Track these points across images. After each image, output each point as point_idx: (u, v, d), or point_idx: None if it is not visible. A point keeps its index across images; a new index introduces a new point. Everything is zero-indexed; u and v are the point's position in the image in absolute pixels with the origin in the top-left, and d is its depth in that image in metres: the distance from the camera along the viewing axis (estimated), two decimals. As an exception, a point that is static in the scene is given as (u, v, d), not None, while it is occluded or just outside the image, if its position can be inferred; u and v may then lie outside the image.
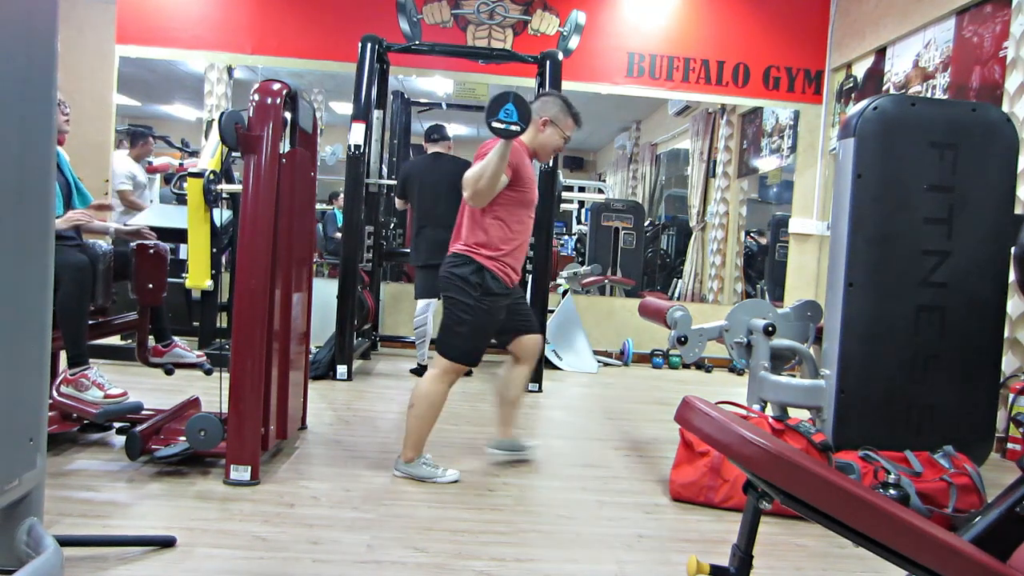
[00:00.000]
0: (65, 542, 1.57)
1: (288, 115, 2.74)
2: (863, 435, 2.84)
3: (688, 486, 2.66)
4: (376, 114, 4.99)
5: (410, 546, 2.16)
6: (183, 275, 4.02)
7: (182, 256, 4.46)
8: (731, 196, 7.14)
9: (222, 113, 2.55)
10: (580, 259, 8.05)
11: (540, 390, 4.54)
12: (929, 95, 4.68)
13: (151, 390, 3.39)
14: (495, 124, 2.36)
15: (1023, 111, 3.72)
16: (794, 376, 3.21)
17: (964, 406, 2.96)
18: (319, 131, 3.40)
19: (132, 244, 3.09)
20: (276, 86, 2.61)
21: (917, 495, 2.49)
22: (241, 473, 2.53)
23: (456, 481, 2.74)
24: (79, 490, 2.44)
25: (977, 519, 1.59)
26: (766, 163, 6.79)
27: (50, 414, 2.72)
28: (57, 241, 1.69)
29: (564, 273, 7.20)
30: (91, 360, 2.81)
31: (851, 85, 5.73)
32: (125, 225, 3.46)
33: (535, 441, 3.18)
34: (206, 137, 5.34)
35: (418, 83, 6.76)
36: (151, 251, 3.07)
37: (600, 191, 8.95)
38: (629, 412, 4.22)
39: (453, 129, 5.82)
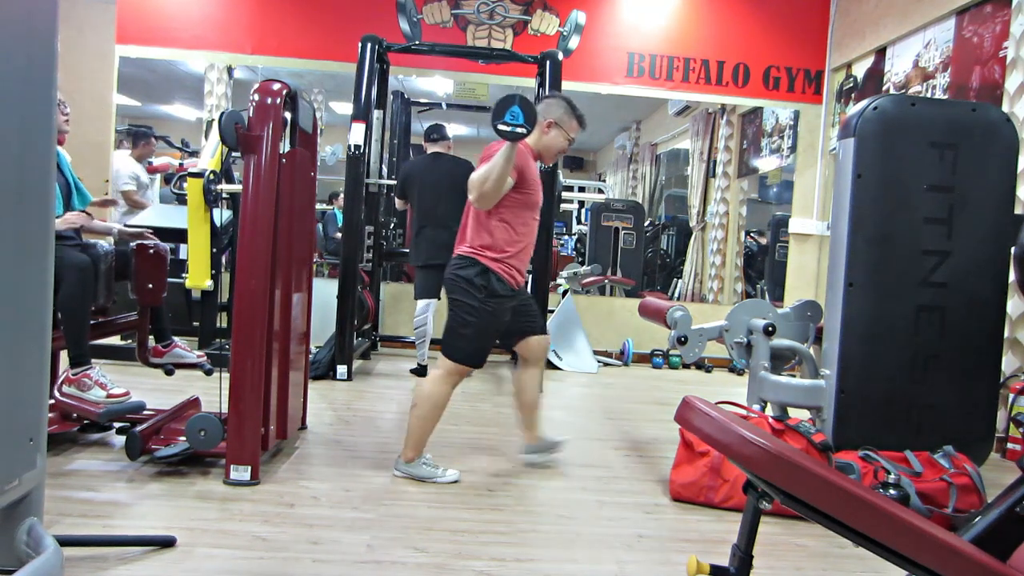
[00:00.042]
0: (65, 542, 1.57)
1: (288, 115, 2.75)
2: (863, 435, 2.84)
3: (688, 486, 2.66)
4: (376, 114, 4.99)
5: (410, 546, 2.16)
6: (183, 275, 4.02)
7: (182, 256, 4.46)
8: (731, 196, 7.14)
9: (222, 113, 2.55)
10: (580, 259, 8.05)
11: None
12: (929, 95, 4.68)
13: (151, 390, 3.38)
14: (501, 127, 2.36)
15: (1023, 111, 3.72)
16: (794, 376, 3.22)
17: (964, 406, 2.96)
18: (319, 131, 3.40)
19: (132, 244, 3.09)
20: (276, 86, 2.61)
21: (917, 495, 2.49)
22: (241, 473, 2.53)
23: (456, 481, 2.74)
24: (79, 490, 2.44)
25: (977, 519, 1.59)
26: (766, 163, 6.78)
27: (50, 414, 2.72)
28: (57, 241, 1.69)
29: (564, 273, 7.20)
30: (92, 360, 2.81)
31: (851, 85, 5.72)
32: (127, 226, 3.46)
33: (563, 436, 3.15)
34: (206, 137, 5.34)
35: (418, 83, 6.76)
36: (151, 251, 3.07)
37: (600, 191, 8.95)
38: (629, 412, 4.22)
39: (453, 129, 5.83)
